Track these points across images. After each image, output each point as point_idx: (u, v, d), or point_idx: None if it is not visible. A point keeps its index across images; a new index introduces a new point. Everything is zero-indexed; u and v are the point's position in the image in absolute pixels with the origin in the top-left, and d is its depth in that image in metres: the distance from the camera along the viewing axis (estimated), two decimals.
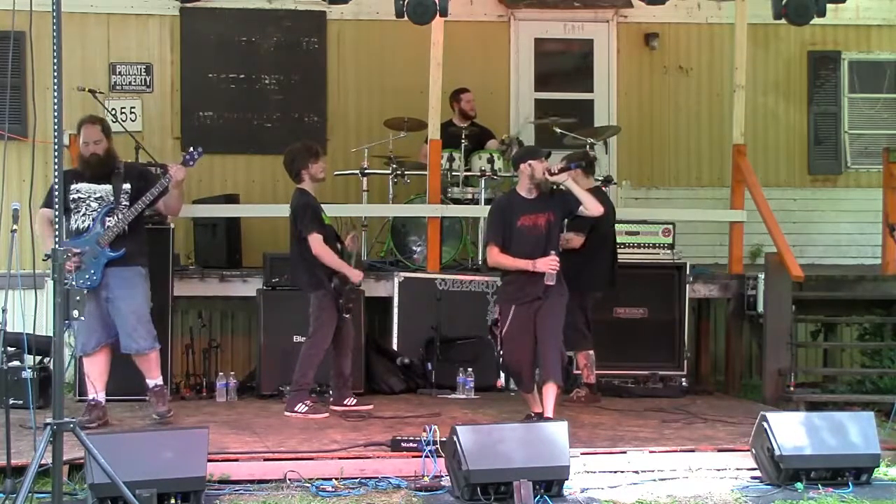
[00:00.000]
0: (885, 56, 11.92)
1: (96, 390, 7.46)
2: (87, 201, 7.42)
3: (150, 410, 7.63)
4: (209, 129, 10.92)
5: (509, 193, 8.00)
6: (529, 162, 7.45)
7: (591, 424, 7.72)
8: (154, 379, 7.59)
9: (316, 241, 7.96)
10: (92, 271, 7.31)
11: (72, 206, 7.40)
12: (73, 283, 7.07)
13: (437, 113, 9.66)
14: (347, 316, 8.12)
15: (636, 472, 6.56)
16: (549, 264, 7.20)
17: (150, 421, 7.54)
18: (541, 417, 7.18)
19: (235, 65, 10.99)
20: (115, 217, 7.37)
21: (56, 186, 7.22)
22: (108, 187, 7.43)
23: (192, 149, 7.62)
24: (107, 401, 7.58)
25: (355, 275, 8.11)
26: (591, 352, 8.68)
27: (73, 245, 7.19)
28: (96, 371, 7.48)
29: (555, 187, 7.42)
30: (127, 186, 7.44)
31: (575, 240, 8.20)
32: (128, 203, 7.41)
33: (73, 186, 7.41)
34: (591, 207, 7.43)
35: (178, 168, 7.42)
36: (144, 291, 7.53)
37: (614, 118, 11.33)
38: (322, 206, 8.21)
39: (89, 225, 7.38)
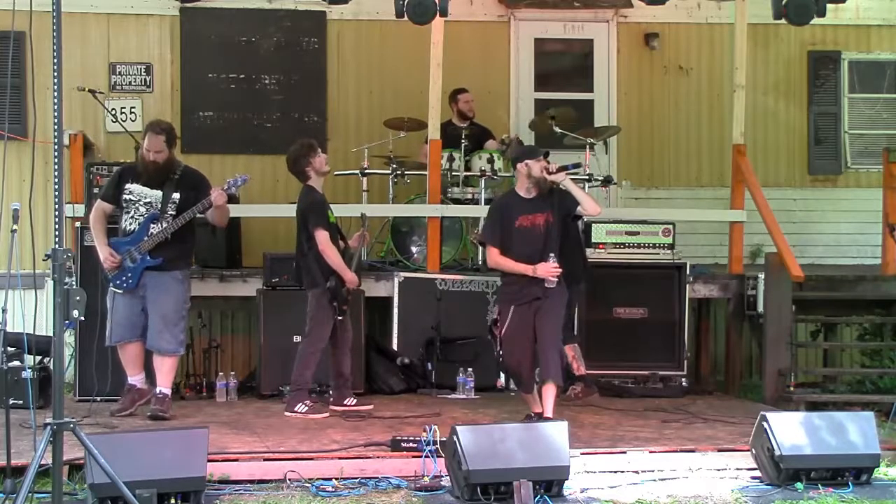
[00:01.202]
0: (885, 56, 11.91)
1: (131, 374, 7.75)
2: (137, 205, 7.68)
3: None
4: (209, 129, 10.93)
5: (508, 193, 8.00)
6: (526, 161, 7.46)
7: (591, 424, 7.72)
8: (162, 386, 7.71)
9: (322, 238, 7.97)
10: (129, 275, 7.62)
11: (123, 206, 7.70)
12: (111, 283, 7.60)
13: (437, 113, 9.66)
14: (341, 318, 8.12)
15: (636, 472, 6.56)
16: (549, 272, 7.21)
17: (148, 415, 7.61)
18: (541, 417, 7.18)
19: (235, 65, 10.99)
20: (159, 226, 7.61)
21: (119, 179, 7.71)
22: (159, 194, 7.67)
23: (237, 175, 7.91)
24: (107, 400, 7.68)
25: (351, 279, 8.11)
26: (576, 344, 8.59)
27: (118, 245, 7.65)
28: (126, 358, 7.76)
29: (553, 187, 7.41)
30: (176, 196, 7.67)
31: None
32: (174, 213, 7.64)
33: (126, 186, 7.69)
34: (588, 207, 7.44)
35: (219, 194, 7.67)
36: (178, 295, 7.76)
37: (614, 118, 11.33)
38: (332, 205, 8.23)
39: (135, 228, 7.65)
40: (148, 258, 7.63)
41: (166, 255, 7.66)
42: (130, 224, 7.70)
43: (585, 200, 7.44)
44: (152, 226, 7.65)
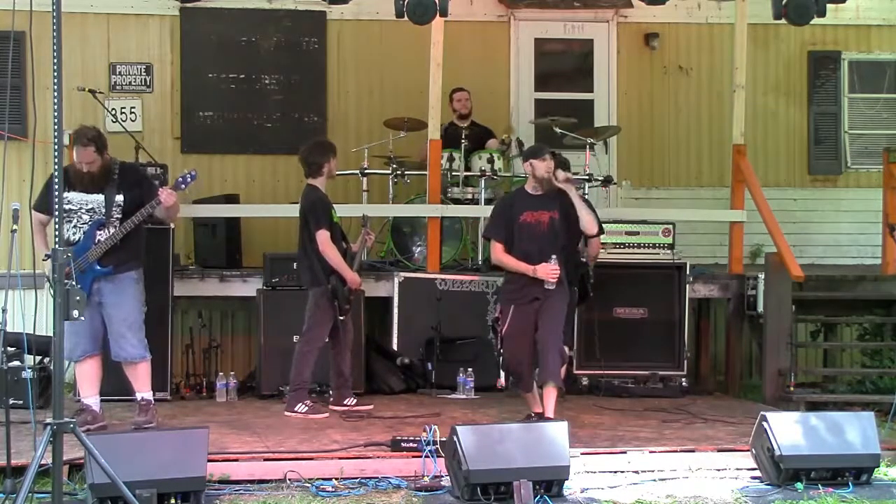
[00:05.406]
0: (885, 56, 11.93)
1: (87, 394, 7.35)
2: (79, 213, 7.22)
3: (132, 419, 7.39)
4: (209, 129, 10.93)
5: (516, 190, 8.03)
6: (531, 161, 7.49)
7: (592, 424, 7.72)
8: (142, 392, 7.35)
9: (323, 238, 7.96)
10: (79, 286, 7.11)
11: (63, 216, 7.20)
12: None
13: (438, 113, 9.66)
14: (343, 318, 8.11)
15: (636, 472, 6.56)
16: (548, 273, 7.20)
17: (132, 428, 7.24)
18: (541, 417, 7.19)
19: (235, 65, 11.00)
20: (106, 232, 7.19)
21: (50, 188, 6.86)
22: (101, 198, 7.23)
23: (185, 172, 7.41)
24: (105, 401, 7.50)
25: (352, 279, 8.10)
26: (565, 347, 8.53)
27: None
28: (84, 377, 7.34)
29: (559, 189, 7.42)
30: (119, 198, 7.24)
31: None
32: (120, 216, 7.22)
33: (64, 195, 6.92)
34: (586, 225, 7.42)
35: (168, 194, 7.18)
36: (136, 297, 7.33)
37: (614, 118, 11.34)
38: (333, 205, 8.23)
39: (80, 238, 7.19)
40: (97, 267, 7.15)
41: (116, 261, 7.19)
42: (74, 234, 7.18)
43: (585, 218, 7.41)
44: (98, 233, 7.17)
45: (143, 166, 9.03)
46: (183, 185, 7.35)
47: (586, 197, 8.97)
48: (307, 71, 11.08)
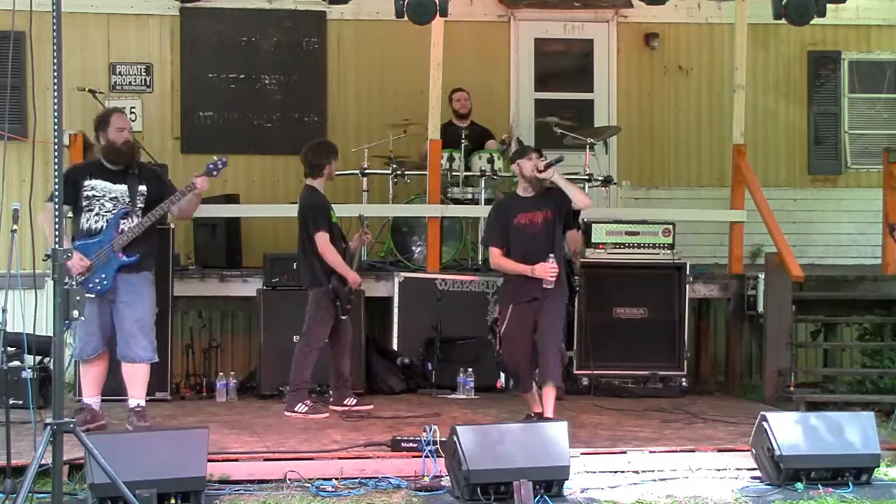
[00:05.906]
0: (885, 56, 11.93)
1: (89, 394, 7.32)
2: (102, 201, 7.13)
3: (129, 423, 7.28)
4: (209, 129, 10.94)
5: (509, 194, 8.04)
6: (518, 161, 7.52)
7: (591, 424, 7.72)
8: (138, 398, 7.25)
9: (322, 240, 7.96)
10: (103, 276, 7.07)
11: (84, 205, 7.12)
12: (81, 285, 6.81)
13: (437, 113, 9.66)
14: (344, 317, 8.12)
15: (636, 472, 6.55)
16: (547, 272, 7.20)
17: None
18: (541, 417, 7.19)
19: (235, 65, 11.01)
20: (131, 221, 7.13)
21: (69, 179, 7.05)
22: (124, 188, 7.15)
23: (216, 159, 7.34)
24: (105, 401, 7.48)
25: (353, 278, 8.10)
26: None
27: (86, 247, 7.05)
28: (90, 377, 7.30)
29: (549, 185, 7.42)
30: (143, 188, 7.20)
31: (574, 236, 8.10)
32: (143, 206, 7.18)
33: (87, 182, 7.11)
34: (578, 201, 7.43)
35: (203, 179, 7.17)
36: (150, 298, 7.32)
37: (614, 118, 11.34)
38: (332, 205, 8.22)
39: (103, 226, 7.12)
40: (122, 256, 7.09)
41: (140, 252, 7.14)
42: (97, 222, 7.10)
43: (575, 194, 7.43)
44: (122, 222, 7.10)
45: None
46: (215, 172, 7.29)
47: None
48: (307, 71, 11.09)
